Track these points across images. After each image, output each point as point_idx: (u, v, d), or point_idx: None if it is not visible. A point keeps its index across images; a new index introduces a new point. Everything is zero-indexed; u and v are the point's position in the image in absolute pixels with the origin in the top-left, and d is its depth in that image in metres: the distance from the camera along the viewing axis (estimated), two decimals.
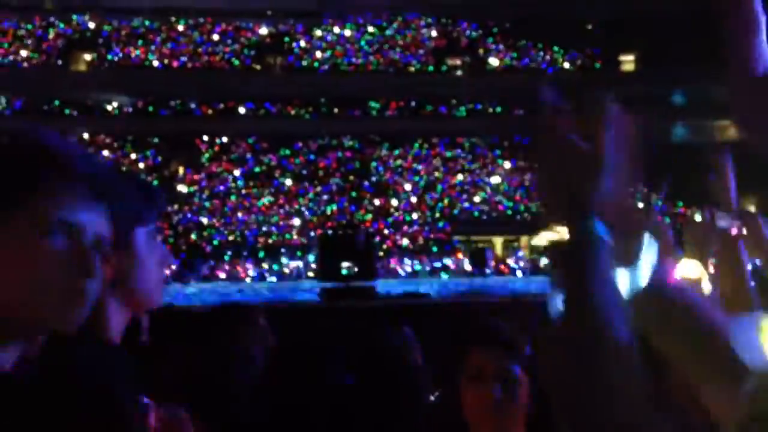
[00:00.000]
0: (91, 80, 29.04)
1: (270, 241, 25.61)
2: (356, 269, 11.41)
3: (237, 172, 28.94)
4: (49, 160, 0.98)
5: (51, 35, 30.24)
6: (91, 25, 30.55)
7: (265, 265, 22.96)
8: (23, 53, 29.72)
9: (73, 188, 0.98)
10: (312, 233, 24.96)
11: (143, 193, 1.35)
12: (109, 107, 29.50)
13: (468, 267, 21.65)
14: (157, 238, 1.40)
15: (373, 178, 29.08)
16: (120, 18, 30.71)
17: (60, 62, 29.76)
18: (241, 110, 30.30)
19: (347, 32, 32.18)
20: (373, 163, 29.69)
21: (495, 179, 29.06)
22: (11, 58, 29.51)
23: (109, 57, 30.16)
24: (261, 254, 24.35)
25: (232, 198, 27.73)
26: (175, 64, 30.42)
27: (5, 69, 28.60)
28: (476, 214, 27.69)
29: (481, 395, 1.68)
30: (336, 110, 30.31)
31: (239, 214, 26.92)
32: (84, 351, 1.14)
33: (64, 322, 0.97)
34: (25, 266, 0.94)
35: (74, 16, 30.45)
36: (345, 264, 11.60)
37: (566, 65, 31.52)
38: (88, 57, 30.10)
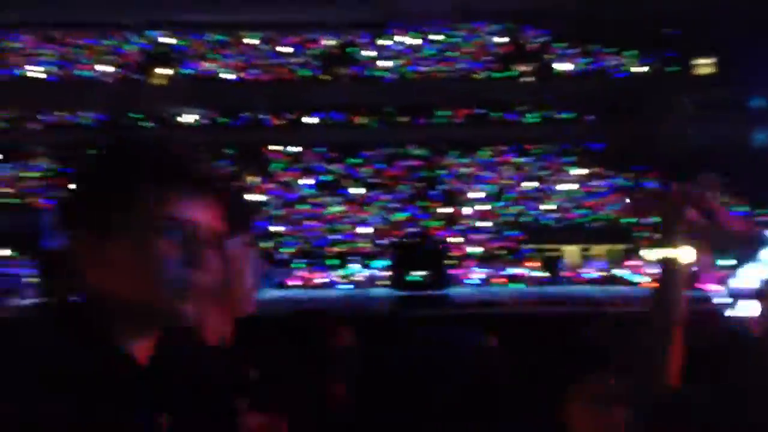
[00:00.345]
0: (167, 94, 29.96)
1: (340, 249, 25.80)
2: (428, 278, 11.37)
3: (307, 181, 29.30)
4: (163, 164, 1.04)
5: (129, 51, 31.34)
6: (167, 40, 31.51)
7: (335, 273, 23.12)
8: (103, 68, 30.88)
9: (186, 189, 1.03)
10: (381, 241, 25.00)
11: (242, 202, 1.39)
12: (183, 119, 30.35)
13: (540, 275, 21.30)
14: (251, 247, 1.43)
15: (442, 186, 28.98)
16: (193, 33, 31.58)
17: (137, 77, 30.81)
18: (310, 120, 30.69)
19: (413, 41, 32.25)
20: (442, 171, 29.59)
21: (565, 186, 28.53)
22: (92, 73, 30.72)
23: (184, 71, 31.04)
24: (331, 262, 24.54)
25: (303, 207, 28.09)
26: (246, 76, 31.09)
27: (88, 84, 29.81)
28: (547, 222, 27.24)
29: (604, 419, 1.61)
30: (403, 119, 30.37)
31: (309, 223, 27.24)
32: (187, 350, 1.17)
33: (178, 316, 1.02)
34: (142, 263, 1.00)
35: (150, 33, 31.47)
36: (417, 272, 11.57)
37: (639, 69, 30.73)
38: (164, 71, 31.05)
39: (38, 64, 30.39)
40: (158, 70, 30.95)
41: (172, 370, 1.12)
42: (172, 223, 1.02)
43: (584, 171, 28.89)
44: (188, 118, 30.38)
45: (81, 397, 0.95)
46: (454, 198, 28.45)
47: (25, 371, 0.97)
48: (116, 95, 29.54)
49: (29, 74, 30.31)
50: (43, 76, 30.54)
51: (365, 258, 24.40)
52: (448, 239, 24.80)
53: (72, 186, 1.09)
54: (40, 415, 0.93)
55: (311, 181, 29.34)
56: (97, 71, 30.74)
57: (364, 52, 31.96)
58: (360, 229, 27.03)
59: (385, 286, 16.03)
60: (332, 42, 32.10)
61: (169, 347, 1.10)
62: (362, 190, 28.88)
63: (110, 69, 30.89)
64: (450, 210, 27.91)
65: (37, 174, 28.18)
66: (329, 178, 29.45)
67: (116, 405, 0.97)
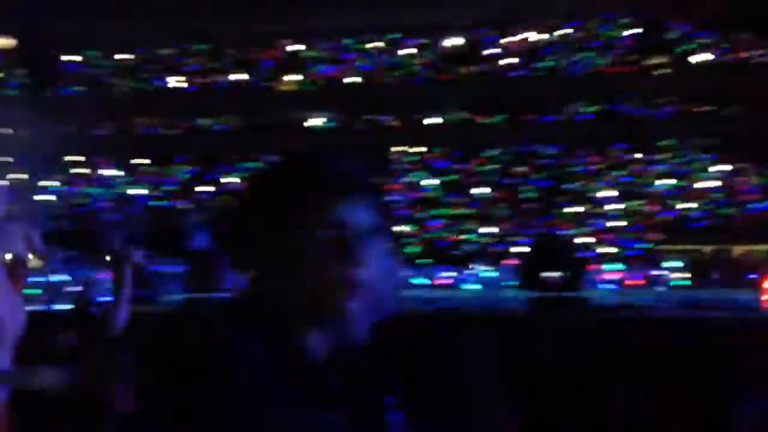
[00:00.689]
0: (295, 99, 30.98)
1: (467, 249, 25.67)
2: (563, 279, 11.08)
3: (431, 182, 29.36)
4: (320, 166, 1.15)
5: (260, 59, 32.66)
6: (295, 47, 32.57)
7: (462, 273, 23.02)
8: (236, 77, 32.37)
9: (345, 191, 1.13)
10: (507, 242, 24.65)
11: (386, 202, 1.47)
12: (311, 123, 31.26)
13: (679, 277, 20.26)
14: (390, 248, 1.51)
15: (572, 185, 28.18)
16: (319, 39, 32.45)
17: (268, 84, 32.06)
18: (435, 120, 30.75)
19: (539, 36, 31.55)
20: (572, 169, 28.78)
21: (704, 184, 27.00)
22: (226, 80, 32.29)
23: (311, 76, 31.99)
24: (458, 262, 24.46)
25: (427, 207, 28.17)
26: (371, 79, 31.61)
27: (224, 92, 31.37)
28: (687, 220, 25.87)
29: None
30: (530, 116, 29.80)
31: (434, 223, 27.28)
32: (350, 346, 1.19)
33: (342, 313, 1.10)
34: (307, 262, 1.09)
35: (280, 41, 32.65)
36: (551, 273, 11.32)
37: None
38: (292, 77, 32.12)
39: (180, 74, 32.29)
40: (287, 77, 32.05)
41: (341, 365, 1.16)
42: (332, 223, 1.10)
43: (727, 167, 27.21)
44: (316, 121, 31.24)
45: (262, 389, 1.01)
46: (586, 196, 27.60)
47: (208, 364, 1.03)
48: (249, 102, 30.87)
49: (172, 84, 32.24)
50: (185, 85, 32.37)
51: (491, 258, 24.14)
52: (580, 239, 24.08)
53: (247, 192, 1.19)
54: (224, 404, 0.98)
55: (436, 182, 29.36)
56: (232, 80, 32.25)
57: (487, 51, 31.63)
58: (486, 229, 26.75)
59: (513, 287, 15.81)
60: (455, 41, 32.00)
61: (336, 343, 1.14)
62: (487, 190, 28.58)
63: (244, 77, 32.32)
64: (580, 209, 27.09)
65: (180, 178, 29.97)
66: (454, 177, 29.36)
67: (294, 398, 1.03)
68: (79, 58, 32.09)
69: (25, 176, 28.41)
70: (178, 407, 1.00)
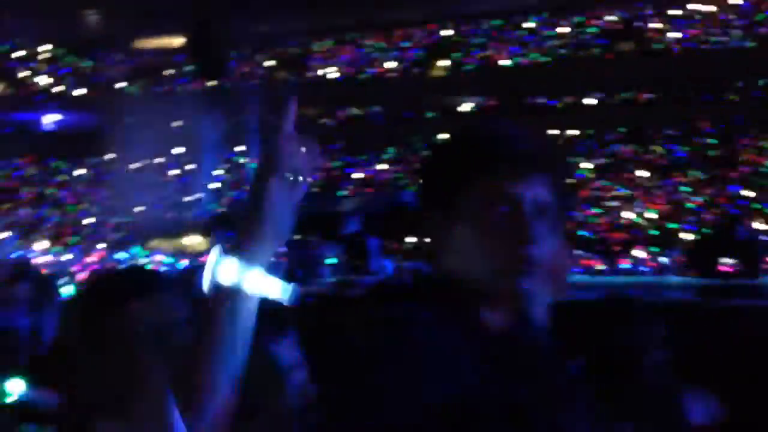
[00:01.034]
0: (447, 84, 30.97)
1: (625, 235, 24.58)
2: (740, 266, 10.31)
3: (588, 165, 28.31)
4: (494, 142, 1.13)
5: (411, 45, 32.94)
6: (446, 32, 32.53)
7: (622, 260, 22.07)
8: (387, 65, 32.84)
9: (515, 165, 1.10)
10: (671, 226, 23.38)
11: (565, 178, 1.41)
12: (462, 108, 31.13)
13: None
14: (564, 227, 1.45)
15: (741, 168, 26.17)
16: (471, 22, 32.20)
17: (418, 70, 32.30)
18: (591, 101, 29.64)
19: (708, 7, 29.42)
20: (741, 151, 26.72)
21: None
22: (376, 70, 32.84)
23: (463, 61, 31.85)
24: (616, 248, 23.47)
25: (584, 191, 27.20)
26: (523, 61, 30.95)
27: (374, 81, 31.98)
28: None
29: None
30: (695, 95, 27.95)
31: (591, 209, 26.29)
32: (527, 324, 1.19)
33: (518, 291, 1.09)
34: (482, 240, 1.09)
35: (430, 26, 32.73)
36: (724, 260, 10.60)
37: None
38: (444, 63, 32.14)
39: (334, 65, 33.29)
40: (439, 62, 32.11)
41: (523, 342, 1.15)
42: (507, 199, 1.09)
43: None
44: (467, 106, 31.09)
45: (452, 363, 1.01)
46: (756, 180, 25.53)
47: (402, 341, 1.03)
48: (400, 90, 31.25)
49: (328, 76, 33.32)
50: (337, 75, 33.36)
51: (654, 244, 22.95)
52: (756, 224, 22.32)
53: (422, 173, 1.20)
54: (415, 378, 0.98)
55: (592, 165, 28.32)
56: (383, 68, 32.80)
57: (650, 25, 29.95)
58: (648, 215, 25.47)
59: (681, 273, 14.98)
60: (614, 17, 30.60)
61: (516, 321, 1.14)
62: (649, 173, 27.17)
63: (394, 65, 32.76)
64: (752, 194, 25.11)
65: (334, 165, 30.98)
66: (612, 161, 28.16)
67: (483, 372, 1.03)
68: (240, 53, 33.93)
69: (195, 166, 30.53)
70: (368, 384, 0.99)
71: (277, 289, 1.23)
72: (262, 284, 1.21)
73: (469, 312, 1.10)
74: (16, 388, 2.21)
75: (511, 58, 31.23)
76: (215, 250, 1.23)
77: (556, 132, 29.46)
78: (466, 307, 1.10)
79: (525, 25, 31.75)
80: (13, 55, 33.52)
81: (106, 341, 1.33)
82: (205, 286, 1.21)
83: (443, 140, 1.22)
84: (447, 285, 1.11)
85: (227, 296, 1.20)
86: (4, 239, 24.13)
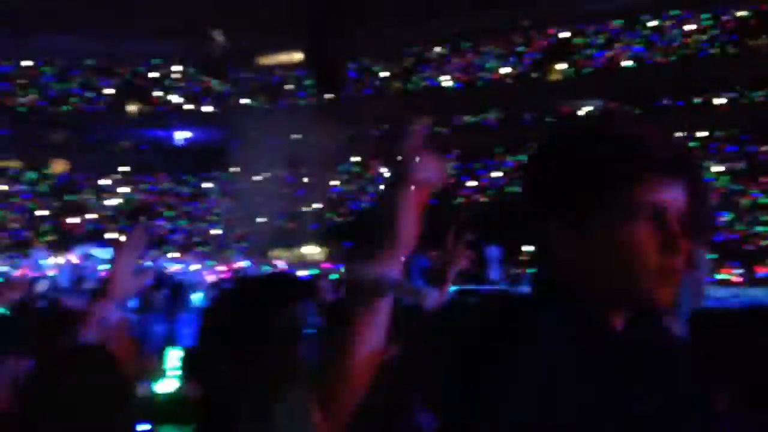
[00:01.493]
0: (565, 88, 30.27)
1: (761, 243, 23.07)
2: None
3: (717, 169, 26.81)
4: (631, 146, 1.03)
5: (527, 50, 32.46)
6: (565, 34, 31.83)
7: (760, 268, 20.74)
8: (503, 70, 32.53)
9: (656, 171, 1.02)
10: None
11: (704, 184, 1.31)
12: (582, 112, 30.33)
13: None
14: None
15: None
16: (590, 23, 31.36)
17: (536, 74, 31.75)
18: (721, 101, 28.07)
19: None
20: None
21: None
22: (492, 76, 32.60)
23: (582, 63, 31.05)
24: (746, 257, 22.08)
25: (716, 196, 25.76)
26: (647, 60, 29.82)
27: (489, 87, 31.76)
28: None
29: None
30: None
31: (725, 215, 24.85)
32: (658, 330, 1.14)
33: (655, 301, 1.02)
34: (620, 248, 1.01)
35: (547, 29, 32.11)
36: None
37: None
38: (561, 66, 31.45)
39: (447, 72, 33.33)
40: (557, 66, 31.46)
41: (646, 345, 1.10)
42: (647, 207, 1.01)
43: None
44: (586, 109, 30.26)
45: (581, 370, 0.97)
46: None
47: (529, 352, 0.99)
48: (516, 94, 30.84)
49: (442, 83, 33.41)
50: (451, 83, 33.36)
51: None
52: None
53: (545, 176, 1.11)
54: (543, 384, 0.95)
55: (722, 168, 26.78)
56: (497, 73, 32.50)
57: None
58: None
59: None
60: (745, 13, 28.89)
61: (642, 325, 1.08)
62: None
63: (508, 70, 32.40)
64: None
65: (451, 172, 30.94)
66: (744, 164, 26.52)
67: (613, 380, 0.99)
68: (358, 65, 34.58)
69: (312, 178, 31.38)
70: (496, 386, 0.96)
71: (411, 291, 1.34)
72: (396, 286, 1.31)
73: (597, 322, 1.05)
74: (165, 387, 2.35)
75: (634, 59, 30.16)
76: (348, 254, 1.34)
77: (683, 134, 28.10)
78: (595, 317, 1.05)
79: (649, 24, 30.59)
80: (149, 75, 35.79)
81: (268, 341, 1.42)
82: (344, 287, 1.32)
83: (561, 142, 1.11)
84: (572, 295, 1.05)
85: (365, 297, 1.31)
86: (141, 249, 25.67)
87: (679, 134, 28.23)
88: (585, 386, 0.97)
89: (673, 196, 1.04)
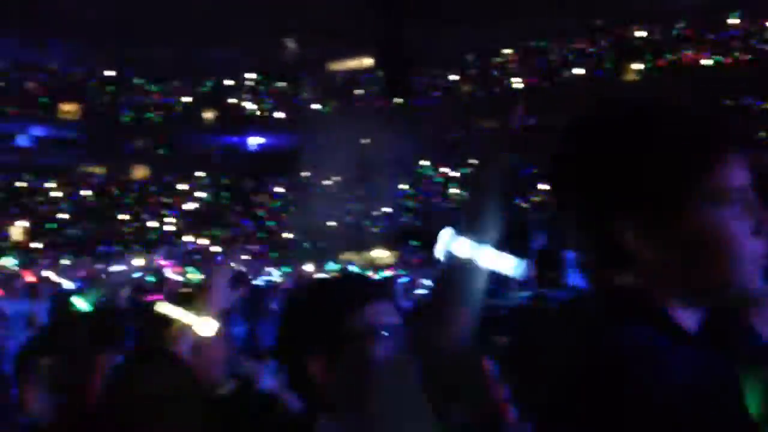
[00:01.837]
0: (641, 88, 29.49)
1: None
2: None
3: None
4: (707, 126, 0.96)
5: (601, 50, 31.76)
6: (641, 33, 31.04)
7: None
8: (576, 71, 31.93)
9: (733, 149, 0.96)
10: None
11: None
12: None
13: None
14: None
15: None
16: (664, 21, 30.49)
17: (611, 75, 31.05)
18: None
19: None
20: None
21: None
22: (565, 75, 32.04)
23: (657, 63, 30.21)
24: None
25: None
26: (727, 60, 28.75)
27: (564, 87, 31.23)
28: None
29: None
30: None
31: None
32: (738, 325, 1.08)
33: (748, 295, 0.95)
34: (713, 235, 0.92)
35: (620, 29, 31.36)
36: None
37: None
38: (636, 66, 30.66)
39: (518, 75, 32.95)
40: (632, 65, 30.70)
41: (724, 342, 1.04)
42: (737, 191, 0.93)
43: None
44: None
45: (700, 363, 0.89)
46: None
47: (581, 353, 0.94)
48: (588, 96, 30.18)
49: (513, 85, 33.07)
50: (522, 85, 33.00)
51: None
52: None
53: (607, 166, 0.99)
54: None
55: None
56: (571, 74, 31.92)
57: None
58: None
59: None
60: None
61: (721, 321, 1.03)
62: None
63: (581, 71, 31.79)
64: None
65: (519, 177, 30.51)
66: None
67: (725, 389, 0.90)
68: (427, 69, 34.54)
69: (382, 182, 31.50)
70: (604, 408, 0.89)
71: (505, 263, 1.50)
72: (492, 259, 1.48)
73: (679, 326, 0.95)
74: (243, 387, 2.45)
75: (712, 58, 29.09)
76: (448, 231, 1.51)
77: (766, 134, 26.92)
78: (672, 320, 0.95)
79: (729, 21, 29.47)
80: (225, 82, 36.66)
81: (346, 341, 1.41)
82: (441, 259, 1.50)
83: (618, 126, 1.00)
84: (650, 297, 0.95)
85: (462, 268, 1.46)
86: (214, 252, 26.33)
87: (762, 134, 27.11)
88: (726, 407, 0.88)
89: (746, 175, 0.96)
